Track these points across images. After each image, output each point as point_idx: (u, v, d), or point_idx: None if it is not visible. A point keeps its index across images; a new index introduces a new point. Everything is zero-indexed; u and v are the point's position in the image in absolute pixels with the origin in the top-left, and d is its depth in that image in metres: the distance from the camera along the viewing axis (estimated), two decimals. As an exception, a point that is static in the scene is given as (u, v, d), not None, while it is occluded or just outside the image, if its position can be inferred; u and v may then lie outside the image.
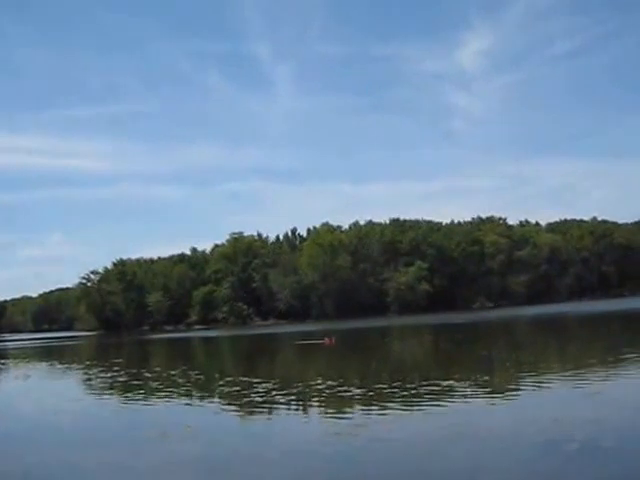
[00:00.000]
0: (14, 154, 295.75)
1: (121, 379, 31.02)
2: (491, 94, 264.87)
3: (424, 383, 21.66)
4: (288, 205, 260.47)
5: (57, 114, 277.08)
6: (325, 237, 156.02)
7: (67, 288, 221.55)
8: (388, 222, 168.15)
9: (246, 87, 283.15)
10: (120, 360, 48.05)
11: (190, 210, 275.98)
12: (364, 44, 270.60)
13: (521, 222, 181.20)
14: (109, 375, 33.33)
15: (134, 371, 34.92)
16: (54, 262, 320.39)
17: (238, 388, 23.79)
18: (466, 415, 15.81)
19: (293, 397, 21.01)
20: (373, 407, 17.98)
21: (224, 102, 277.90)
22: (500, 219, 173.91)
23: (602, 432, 12.80)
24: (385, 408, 17.47)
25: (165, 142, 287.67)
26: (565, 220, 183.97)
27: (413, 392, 19.99)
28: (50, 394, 27.36)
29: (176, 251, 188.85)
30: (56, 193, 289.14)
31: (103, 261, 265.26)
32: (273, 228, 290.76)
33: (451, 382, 21.36)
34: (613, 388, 18.50)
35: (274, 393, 21.77)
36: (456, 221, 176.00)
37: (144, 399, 23.36)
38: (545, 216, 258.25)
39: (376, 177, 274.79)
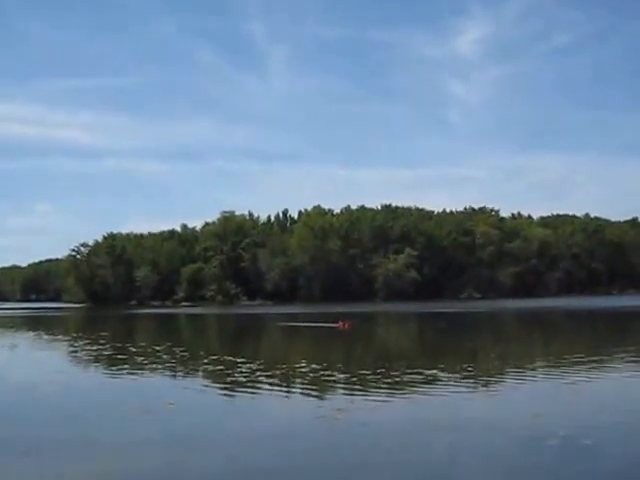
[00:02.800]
0: (2, 123, 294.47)
1: (106, 353, 31.03)
2: (488, 84, 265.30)
3: (408, 371, 21.74)
4: (279, 186, 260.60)
5: (47, 84, 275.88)
6: (316, 220, 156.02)
7: (56, 259, 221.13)
8: (380, 208, 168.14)
9: (240, 66, 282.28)
10: (106, 333, 48.00)
11: (180, 187, 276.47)
12: (361, 28, 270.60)
13: (513, 215, 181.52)
14: (95, 348, 33.30)
15: (119, 345, 34.91)
16: (43, 233, 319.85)
17: (222, 367, 23.79)
18: (448, 405, 15.86)
19: (276, 379, 21.01)
20: (356, 392, 18.02)
21: (217, 80, 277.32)
22: (492, 210, 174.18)
23: (583, 428, 12.83)
24: (368, 394, 17.52)
25: (156, 117, 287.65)
26: (557, 215, 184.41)
27: (397, 379, 20.04)
28: (36, 365, 27.36)
29: (166, 227, 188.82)
30: (45, 163, 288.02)
31: (92, 234, 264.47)
32: (264, 208, 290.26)
33: (435, 371, 21.41)
34: (596, 385, 18.62)
35: (258, 374, 21.77)
36: (448, 210, 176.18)
37: (128, 374, 23.33)
38: (537, 210, 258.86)
39: (369, 162, 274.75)
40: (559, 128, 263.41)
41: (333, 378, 20.62)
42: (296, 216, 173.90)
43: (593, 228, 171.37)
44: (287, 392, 19.08)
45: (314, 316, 64.87)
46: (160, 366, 25.07)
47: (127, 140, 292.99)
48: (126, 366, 25.38)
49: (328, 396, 17.75)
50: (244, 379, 20.55)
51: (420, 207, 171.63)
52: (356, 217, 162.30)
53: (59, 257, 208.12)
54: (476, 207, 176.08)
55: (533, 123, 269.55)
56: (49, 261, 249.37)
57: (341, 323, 45.48)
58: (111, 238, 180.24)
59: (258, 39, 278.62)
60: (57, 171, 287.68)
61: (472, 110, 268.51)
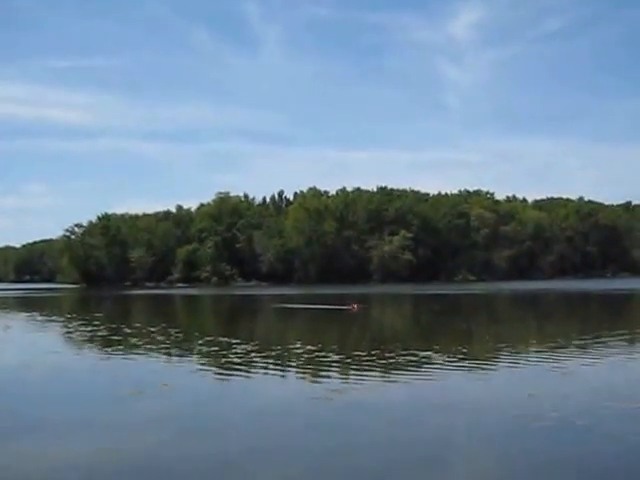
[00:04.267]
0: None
1: (101, 334, 30.97)
2: (482, 68, 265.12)
3: (402, 353, 21.76)
4: (274, 168, 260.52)
5: (41, 64, 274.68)
6: (312, 202, 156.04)
7: (50, 240, 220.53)
8: (375, 190, 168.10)
9: (234, 47, 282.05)
10: (101, 314, 47.97)
11: (175, 168, 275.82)
12: (356, 10, 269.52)
13: (508, 197, 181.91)
14: (89, 329, 33.24)
15: (114, 326, 34.88)
16: (36, 213, 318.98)
17: (217, 348, 23.81)
18: (442, 386, 15.92)
19: (271, 360, 21.05)
20: (350, 374, 18.07)
21: (211, 61, 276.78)
22: (487, 193, 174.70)
23: (576, 409, 12.91)
24: (362, 375, 17.55)
25: (151, 98, 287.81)
26: (552, 198, 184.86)
27: (391, 361, 20.08)
28: (29, 346, 27.28)
29: (161, 208, 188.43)
30: (38, 143, 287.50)
31: (86, 214, 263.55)
32: (259, 190, 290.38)
33: (429, 353, 21.45)
34: (589, 367, 18.64)
35: (253, 355, 21.79)
36: (443, 193, 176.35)
37: (122, 355, 23.33)
38: (532, 193, 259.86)
39: (364, 145, 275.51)
40: (553, 112, 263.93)
41: (328, 359, 20.62)
42: (291, 198, 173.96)
43: (587, 211, 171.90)
44: (282, 373, 19.11)
45: (315, 298, 64.89)
46: (155, 347, 25.06)
47: (121, 121, 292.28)
48: (120, 347, 25.38)
49: (322, 377, 17.75)
50: (239, 360, 20.56)
51: (415, 189, 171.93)
52: (352, 199, 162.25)
53: (53, 238, 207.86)
54: (471, 190, 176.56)
55: (527, 107, 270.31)
56: (43, 242, 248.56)
57: (353, 305, 45.24)
58: (105, 219, 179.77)
59: (252, 20, 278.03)
60: (51, 151, 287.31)
61: (467, 93, 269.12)
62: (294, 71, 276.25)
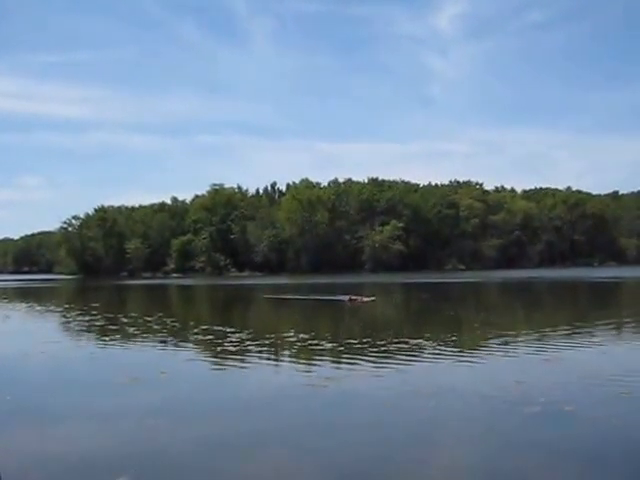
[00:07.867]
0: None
1: (98, 323, 31.28)
2: (466, 60, 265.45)
3: (394, 340, 22.17)
4: (266, 159, 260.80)
5: (33, 58, 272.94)
6: (304, 193, 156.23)
7: (48, 232, 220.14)
8: (366, 181, 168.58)
9: (223, 40, 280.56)
10: (98, 304, 48.21)
11: (169, 160, 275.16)
12: (342, 4, 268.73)
13: (497, 188, 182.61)
14: (86, 319, 33.56)
15: (111, 316, 35.16)
16: (34, 205, 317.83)
17: (212, 337, 24.16)
18: (432, 373, 16.35)
19: (265, 348, 21.40)
20: (343, 361, 18.47)
21: (200, 53, 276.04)
22: (476, 184, 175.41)
23: (564, 395, 13.20)
24: (354, 363, 17.94)
25: (141, 91, 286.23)
26: (540, 188, 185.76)
27: (383, 349, 20.46)
28: (28, 335, 27.60)
29: (157, 200, 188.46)
30: (34, 137, 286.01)
31: (83, 207, 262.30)
32: (251, 182, 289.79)
33: (420, 340, 21.90)
34: (577, 354, 19.01)
35: (247, 343, 22.16)
36: (433, 183, 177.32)
37: (119, 344, 23.71)
38: (520, 183, 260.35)
39: (354, 137, 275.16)
40: (538, 103, 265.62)
41: (321, 347, 21.00)
42: (284, 189, 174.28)
43: (574, 201, 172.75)
44: (276, 361, 19.49)
45: (312, 288, 65.20)
46: (151, 336, 25.44)
47: (114, 114, 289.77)
48: (118, 336, 25.72)
49: (316, 365, 18.11)
50: (234, 348, 20.91)
51: (406, 180, 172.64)
52: (343, 190, 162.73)
53: (51, 230, 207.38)
54: (461, 180, 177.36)
55: (512, 98, 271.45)
56: (41, 234, 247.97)
57: (362, 298, 43.48)
58: (102, 211, 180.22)
59: (240, 14, 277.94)
60: (46, 145, 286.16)
61: (452, 85, 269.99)
62: (283, 64, 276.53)
